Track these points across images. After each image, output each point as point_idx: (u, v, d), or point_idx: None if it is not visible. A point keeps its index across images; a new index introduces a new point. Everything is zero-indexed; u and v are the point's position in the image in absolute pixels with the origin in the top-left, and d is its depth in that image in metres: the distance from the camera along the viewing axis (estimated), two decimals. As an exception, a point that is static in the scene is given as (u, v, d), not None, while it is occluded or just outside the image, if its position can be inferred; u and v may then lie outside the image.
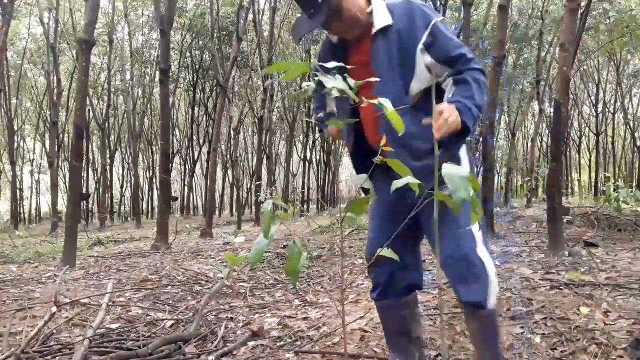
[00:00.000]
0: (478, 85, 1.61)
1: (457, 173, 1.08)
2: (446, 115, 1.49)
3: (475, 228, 1.68)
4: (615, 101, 22.19)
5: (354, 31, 1.69)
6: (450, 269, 1.68)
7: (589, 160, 26.60)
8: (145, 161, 25.55)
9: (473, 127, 1.59)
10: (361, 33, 1.69)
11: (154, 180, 24.17)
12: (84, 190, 19.57)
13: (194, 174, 24.97)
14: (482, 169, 7.14)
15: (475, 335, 1.76)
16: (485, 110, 1.79)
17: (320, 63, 1.59)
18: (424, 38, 1.62)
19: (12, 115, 18.34)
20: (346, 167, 37.79)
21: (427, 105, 1.56)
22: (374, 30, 1.66)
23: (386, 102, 1.20)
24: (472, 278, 1.64)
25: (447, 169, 1.09)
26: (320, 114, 1.95)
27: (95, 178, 24.55)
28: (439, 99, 1.64)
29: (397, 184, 1.17)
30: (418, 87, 1.67)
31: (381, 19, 1.65)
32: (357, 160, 1.83)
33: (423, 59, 1.63)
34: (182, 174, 25.59)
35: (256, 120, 15.27)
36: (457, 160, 1.68)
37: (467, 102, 1.56)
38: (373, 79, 1.42)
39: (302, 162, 22.97)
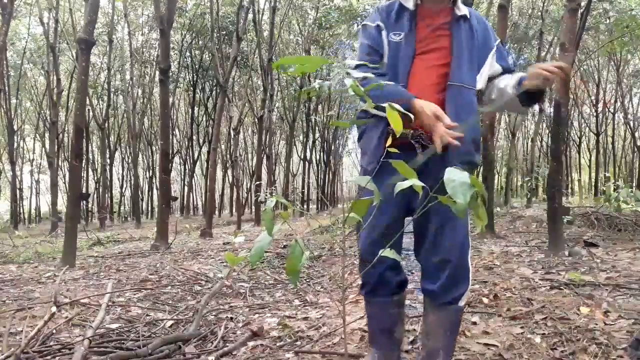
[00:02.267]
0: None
1: (459, 178, 1.08)
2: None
3: (466, 233, 1.74)
4: (616, 101, 22.18)
5: (441, 3, 1.79)
6: (443, 270, 1.69)
7: (589, 160, 26.60)
8: (145, 161, 25.55)
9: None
10: (440, 10, 1.79)
11: (153, 180, 24.19)
12: (83, 190, 19.58)
13: (194, 174, 24.98)
14: (482, 169, 7.14)
15: (437, 326, 1.77)
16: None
17: (381, 25, 1.79)
18: (495, 47, 1.84)
19: (12, 115, 18.33)
20: (346, 167, 37.79)
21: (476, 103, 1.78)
22: (459, 13, 1.78)
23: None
24: (461, 281, 1.70)
25: (450, 173, 1.09)
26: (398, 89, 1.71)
27: (95, 178, 24.56)
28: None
29: (400, 186, 1.17)
30: (478, 85, 1.80)
31: (463, 8, 1.81)
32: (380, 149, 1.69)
33: (490, 63, 1.82)
34: (182, 174, 25.60)
35: (256, 120, 15.27)
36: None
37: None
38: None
39: (302, 162, 22.97)
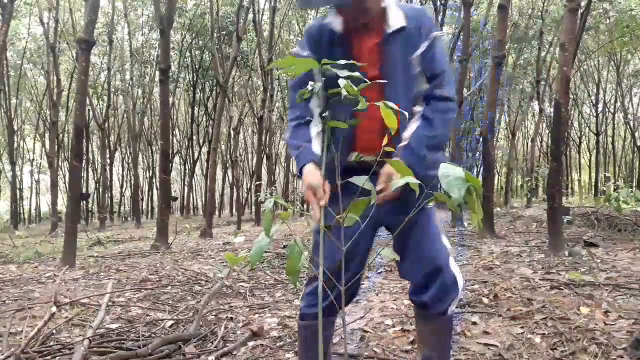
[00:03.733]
0: (442, 117, 1.58)
1: (453, 173, 1.08)
2: (386, 181, 1.47)
3: (444, 240, 1.65)
4: (616, 101, 22.19)
5: (366, 19, 1.56)
6: (433, 281, 1.62)
7: (589, 160, 26.60)
8: (145, 161, 25.55)
9: (428, 168, 1.52)
10: (370, 27, 1.58)
11: (153, 180, 24.18)
12: (83, 190, 19.57)
13: (194, 174, 24.97)
14: (482, 169, 7.13)
15: (430, 335, 1.72)
16: (448, 140, 1.68)
17: (313, 55, 1.54)
18: (422, 47, 1.58)
19: (12, 115, 18.33)
20: (346, 167, 37.80)
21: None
22: (389, 30, 1.57)
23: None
24: (452, 289, 1.62)
25: (444, 168, 1.09)
26: (302, 146, 1.58)
27: (95, 178, 24.57)
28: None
29: (396, 184, 1.17)
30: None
31: (397, 19, 1.58)
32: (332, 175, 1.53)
33: (417, 72, 1.60)
34: (182, 174, 25.59)
35: (256, 120, 15.27)
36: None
37: (421, 151, 1.52)
38: (380, 81, 1.43)
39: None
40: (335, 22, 1.60)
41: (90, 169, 24.63)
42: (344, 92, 1.18)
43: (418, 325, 1.78)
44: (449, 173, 1.08)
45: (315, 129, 1.61)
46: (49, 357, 2.27)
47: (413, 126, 1.56)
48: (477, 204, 1.14)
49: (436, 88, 1.59)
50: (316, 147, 1.58)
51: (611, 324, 2.51)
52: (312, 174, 1.51)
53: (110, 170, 20.80)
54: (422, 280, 1.63)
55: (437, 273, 1.60)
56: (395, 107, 1.22)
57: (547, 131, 21.68)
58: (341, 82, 1.19)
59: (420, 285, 1.64)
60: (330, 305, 1.68)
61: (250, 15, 13.09)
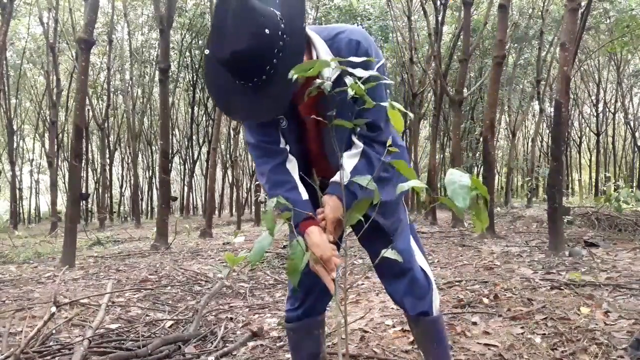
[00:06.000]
0: (377, 159, 1.45)
1: (459, 180, 1.06)
2: (330, 215, 1.42)
3: (412, 242, 1.63)
4: (616, 101, 22.19)
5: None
6: (395, 288, 1.62)
7: (590, 160, 26.60)
8: (145, 161, 25.54)
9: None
10: (303, 84, 1.34)
11: (153, 180, 24.18)
12: (83, 190, 19.57)
13: (194, 174, 24.96)
14: (482, 169, 7.13)
15: (422, 339, 1.71)
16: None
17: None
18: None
19: (12, 115, 18.31)
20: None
21: None
22: (326, 84, 1.24)
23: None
24: (418, 293, 1.60)
25: (451, 175, 1.07)
26: (291, 198, 1.41)
27: (95, 178, 24.56)
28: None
29: (403, 187, 1.15)
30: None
31: (328, 70, 1.29)
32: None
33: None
34: (182, 174, 25.58)
35: (256, 120, 15.23)
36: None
37: (357, 192, 1.42)
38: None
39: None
40: None
41: (89, 169, 24.62)
42: (350, 92, 1.16)
43: (411, 330, 1.78)
44: (455, 180, 1.05)
45: (292, 165, 1.48)
46: (48, 358, 2.27)
47: (352, 162, 1.45)
48: (483, 212, 1.12)
49: (372, 131, 1.45)
50: (304, 193, 1.47)
51: (611, 324, 2.51)
52: (321, 242, 1.38)
53: (110, 170, 20.79)
54: (392, 281, 1.62)
55: (404, 273, 1.59)
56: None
57: (548, 131, 21.70)
58: (348, 81, 1.17)
59: (392, 286, 1.63)
60: (312, 306, 1.70)
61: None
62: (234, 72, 1.27)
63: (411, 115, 1.47)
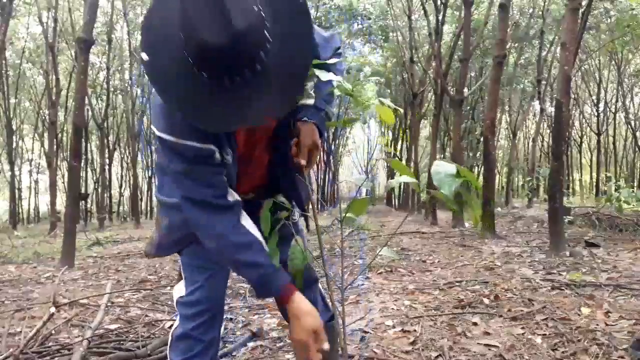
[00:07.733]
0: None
1: (444, 170, 1.06)
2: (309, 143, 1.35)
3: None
4: (617, 101, 22.17)
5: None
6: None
7: (591, 160, 26.57)
8: (145, 161, 25.53)
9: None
10: None
11: (153, 180, 24.17)
12: (82, 190, 19.55)
13: (194, 174, 24.92)
14: (483, 168, 7.12)
15: None
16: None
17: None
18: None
19: (11, 115, 18.30)
20: (347, 167, 37.81)
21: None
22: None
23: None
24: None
25: (436, 166, 1.07)
26: (260, 264, 1.27)
27: (94, 178, 24.53)
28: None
29: (392, 183, 1.16)
30: None
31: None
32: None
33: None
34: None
35: (256, 119, 15.24)
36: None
37: (323, 108, 1.40)
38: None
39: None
40: None
41: (89, 169, 24.58)
42: (336, 92, 1.17)
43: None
44: (440, 170, 1.05)
45: (248, 221, 1.32)
46: (47, 358, 2.26)
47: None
48: (473, 198, 1.12)
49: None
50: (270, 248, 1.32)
51: (612, 325, 2.51)
52: (312, 310, 1.26)
53: (110, 170, 20.78)
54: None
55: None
56: None
57: (548, 131, 21.66)
58: (334, 82, 1.18)
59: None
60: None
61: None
62: (221, 65, 1.03)
63: (400, 110, 1.48)
